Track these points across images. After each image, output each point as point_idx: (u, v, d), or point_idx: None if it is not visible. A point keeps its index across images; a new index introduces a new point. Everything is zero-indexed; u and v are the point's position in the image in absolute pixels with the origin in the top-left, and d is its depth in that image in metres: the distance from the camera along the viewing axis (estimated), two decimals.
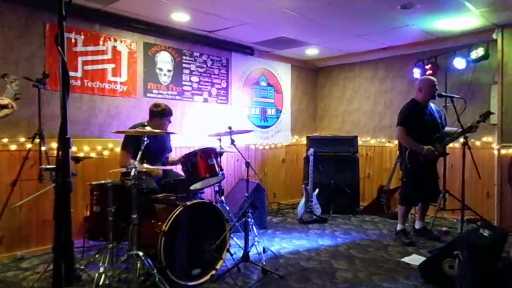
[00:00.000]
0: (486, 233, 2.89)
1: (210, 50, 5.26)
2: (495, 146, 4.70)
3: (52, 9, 1.13)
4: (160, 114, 3.69)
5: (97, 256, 3.19)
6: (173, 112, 3.81)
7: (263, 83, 6.08)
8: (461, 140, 3.87)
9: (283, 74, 6.39)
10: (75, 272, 2.97)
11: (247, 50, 5.66)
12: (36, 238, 3.72)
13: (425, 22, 4.45)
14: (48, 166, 1.21)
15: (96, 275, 2.82)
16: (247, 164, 3.49)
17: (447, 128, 4.18)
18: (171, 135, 3.90)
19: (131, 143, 3.48)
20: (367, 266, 3.46)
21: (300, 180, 6.12)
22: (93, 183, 3.15)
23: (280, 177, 6.32)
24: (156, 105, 3.75)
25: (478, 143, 4.97)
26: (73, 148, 3.87)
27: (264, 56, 6.03)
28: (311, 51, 5.98)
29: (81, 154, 3.87)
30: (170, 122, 3.80)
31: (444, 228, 4.58)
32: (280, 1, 3.82)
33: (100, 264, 2.88)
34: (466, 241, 2.78)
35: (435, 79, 4.07)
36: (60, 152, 1.16)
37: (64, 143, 1.15)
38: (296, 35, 5.07)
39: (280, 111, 6.37)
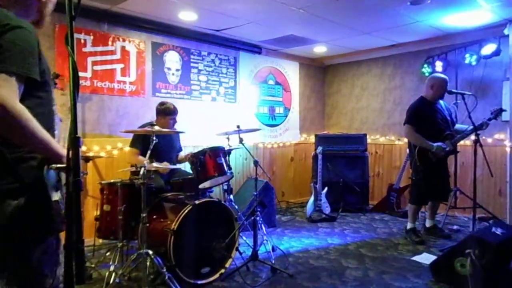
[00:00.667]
0: (498, 231, 2.85)
1: (218, 49, 5.27)
2: (507, 143, 4.63)
3: (61, 10, 1.13)
4: (163, 113, 3.70)
5: (107, 254, 3.23)
6: (181, 111, 3.81)
7: (271, 82, 6.07)
8: (473, 137, 3.82)
9: (291, 72, 6.37)
10: (86, 271, 3.00)
11: (254, 49, 5.66)
12: None
13: (435, 18, 4.40)
14: (58, 165, 1.22)
15: (107, 273, 2.84)
16: (256, 163, 3.49)
17: (457, 126, 4.13)
18: (180, 134, 3.91)
19: (140, 141, 3.53)
20: (377, 264, 3.43)
21: (309, 179, 6.08)
22: (103, 182, 3.19)
23: (288, 175, 6.31)
24: (160, 104, 3.76)
25: (490, 140, 4.90)
26: (83, 148, 3.90)
27: (272, 55, 6.01)
28: (319, 49, 5.95)
29: (91, 154, 3.90)
30: (175, 121, 3.79)
31: (455, 227, 4.53)
32: None
33: (111, 263, 2.91)
34: (478, 240, 2.75)
35: (447, 78, 4.02)
36: (70, 152, 1.16)
37: (75, 143, 1.16)
38: (304, 33, 5.05)
39: (288, 110, 6.35)
